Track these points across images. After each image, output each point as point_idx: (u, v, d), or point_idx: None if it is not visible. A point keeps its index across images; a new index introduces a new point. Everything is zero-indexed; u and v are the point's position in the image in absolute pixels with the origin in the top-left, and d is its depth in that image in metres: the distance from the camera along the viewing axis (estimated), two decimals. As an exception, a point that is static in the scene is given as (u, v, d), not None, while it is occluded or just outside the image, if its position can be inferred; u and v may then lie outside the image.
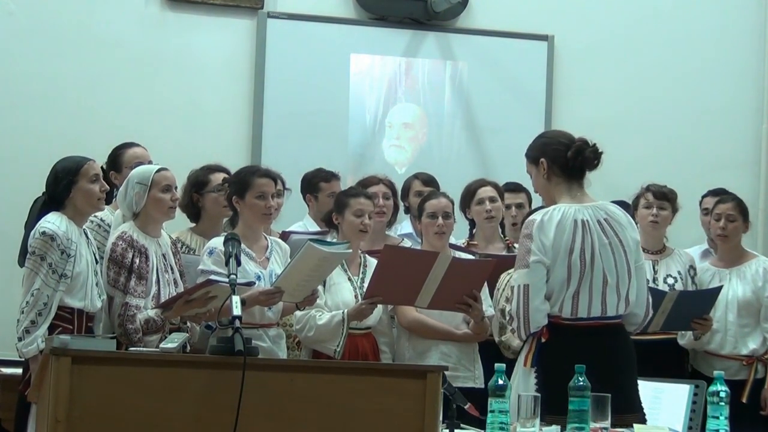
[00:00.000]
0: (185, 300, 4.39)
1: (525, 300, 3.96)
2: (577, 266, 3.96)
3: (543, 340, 3.97)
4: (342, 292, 5.06)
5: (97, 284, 4.50)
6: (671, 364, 5.27)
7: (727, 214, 5.44)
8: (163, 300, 4.53)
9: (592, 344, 3.95)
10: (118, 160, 5.18)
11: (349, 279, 5.12)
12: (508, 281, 4.93)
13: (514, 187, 5.84)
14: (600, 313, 3.99)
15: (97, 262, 4.55)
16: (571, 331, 3.97)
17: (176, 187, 4.73)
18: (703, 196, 6.07)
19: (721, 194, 5.76)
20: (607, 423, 3.51)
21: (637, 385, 4.07)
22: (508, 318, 4.07)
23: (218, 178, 5.13)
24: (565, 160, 4.08)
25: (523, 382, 3.97)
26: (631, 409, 3.91)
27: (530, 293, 3.95)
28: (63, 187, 4.48)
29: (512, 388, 4.00)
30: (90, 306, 4.46)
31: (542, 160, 4.12)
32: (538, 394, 3.56)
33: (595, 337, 3.97)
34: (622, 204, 5.89)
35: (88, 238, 4.58)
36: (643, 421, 3.98)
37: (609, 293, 3.99)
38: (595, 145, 4.11)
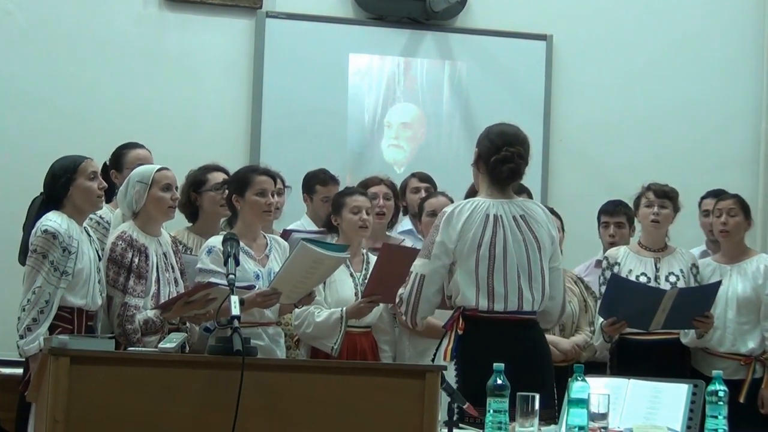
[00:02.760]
0: (185, 301, 4.39)
1: (418, 289, 4.08)
2: (486, 260, 4.03)
3: (460, 332, 4.05)
4: (343, 289, 5.06)
5: (99, 281, 4.49)
6: (673, 363, 5.26)
7: (728, 209, 5.44)
8: (163, 299, 4.53)
9: (509, 337, 4.02)
10: (120, 160, 5.17)
11: (351, 275, 5.11)
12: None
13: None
14: (516, 307, 4.05)
15: (99, 260, 4.55)
16: (488, 324, 4.03)
17: (176, 187, 4.73)
18: (703, 198, 6.06)
19: (720, 194, 5.74)
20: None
21: (552, 379, 4.13)
22: (398, 300, 4.12)
23: (216, 177, 5.12)
24: (488, 161, 4.14)
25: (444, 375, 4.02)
26: (546, 404, 3.90)
27: (424, 284, 4.07)
28: (61, 185, 4.47)
29: None
30: (91, 304, 4.46)
31: (476, 149, 4.21)
32: (536, 394, 3.55)
33: (511, 330, 4.04)
34: (618, 204, 5.91)
35: (90, 235, 4.57)
36: (554, 417, 4.00)
37: (524, 288, 4.06)
38: (519, 162, 4.12)
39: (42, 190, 4.58)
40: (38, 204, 4.57)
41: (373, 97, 7.22)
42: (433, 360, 4.22)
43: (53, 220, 4.41)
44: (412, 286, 4.09)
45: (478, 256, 4.03)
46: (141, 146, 5.26)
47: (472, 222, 4.05)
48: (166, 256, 4.64)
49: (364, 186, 5.59)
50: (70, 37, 6.79)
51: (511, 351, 3.90)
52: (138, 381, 3.27)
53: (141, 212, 4.60)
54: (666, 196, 5.48)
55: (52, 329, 4.33)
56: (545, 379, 4.06)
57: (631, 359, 5.26)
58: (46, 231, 4.37)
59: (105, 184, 4.59)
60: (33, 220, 4.50)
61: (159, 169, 4.65)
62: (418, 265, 4.11)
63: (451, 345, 4.07)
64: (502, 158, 4.10)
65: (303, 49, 7.07)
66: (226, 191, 4.88)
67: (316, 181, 5.91)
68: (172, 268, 4.66)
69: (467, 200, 4.17)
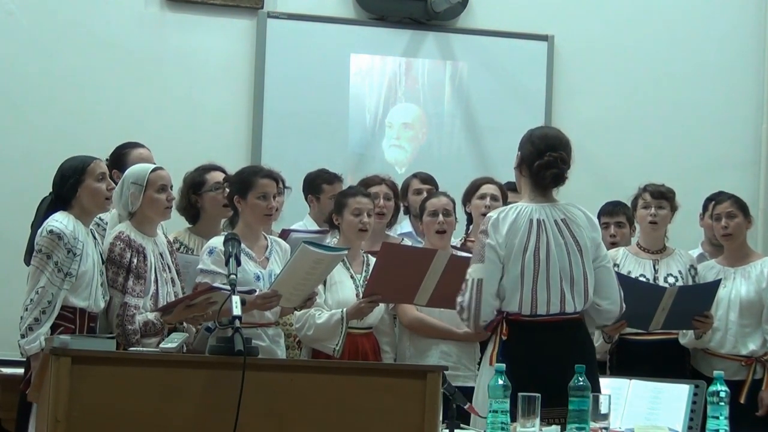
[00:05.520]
0: (186, 305, 4.38)
1: (478, 293, 4.07)
2: (531, 265, 4.05)
3: (504, 337, 4.05)
4: (343, 290, 5.06)
5: (102, 284, 4.48)
6: (672, 364, 5.26)
7: (727, 211, 5.44)
8: (161, 298, 4.53)
9: (552, 338, 4.04)
10: (122, 160, 5.15)
11: (352, 277, 5.11)
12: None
13: (517, 188, 5.82)
14: (559, 310, 4.07)
15: (103, 263, 4.54)
16: (531, 327, 4.05)
17: (172, 187, 4.71)
18: (707, 201, 5.96)
19: (717, 197, 5.71)
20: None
21: (597, 377, 4.13)
22: (458, 308, 4.12)
23: (214, 177, 5.10)
24: (531, 165, 4.15)
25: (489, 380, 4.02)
26: None
27: (483, 287, 4.06)
28: (69, 186, 4.46)
29: (479, 387, 4.06)
30: (93, 306, 4.45)
31: (518, 152, 4.23)
32: (538, 394, 3.56)
33: (555, 331, 4.05)
34: (617, 204, 5.90)
35: (95, 238, 4.57)
36: None
37: (566, 292, 4.07)
38: (562, 167, 4.14)
39: (50, 190, 4.57)
40: (47, 204, 4.56)
41: (375, 98, 7.22)
42: (478, 365, 4.23)
43: (59, 220, 4.40)
44: (471, 293, 4.08)
45: (524, 263, 4.05)
46: (142, 146, 5.24)
47: (516, 228, 4.07)
48: (162, 256, 4.63)
49: (365, 185, 5.58)
50: (72, 38, 6.79)
51: (555, 351, 3.96)
52: (139, 381, 3.28)
53: (137, 213, 4.58)
54: (663, 196, 5.47)
55: (54, 329, 4.32)
56: (589, 377, 4.04)
57: (631, 359, 5.26)
58: (51, 231, 4.37)
59: (113, 185, 4.58)
60: (41, 220, 4.49)
61: (153, 170, 4.61)
62: (473, 271, 4.10)
63: (496, 350, 4.08)
64: (545, 163, 4.12)
65: (304, 49, 7.07)
66: (227, 189, 4.88)
67: (321, 181, 5.89)
68: (169, 268, 4.65)
69: (510, 206, 4.19)
